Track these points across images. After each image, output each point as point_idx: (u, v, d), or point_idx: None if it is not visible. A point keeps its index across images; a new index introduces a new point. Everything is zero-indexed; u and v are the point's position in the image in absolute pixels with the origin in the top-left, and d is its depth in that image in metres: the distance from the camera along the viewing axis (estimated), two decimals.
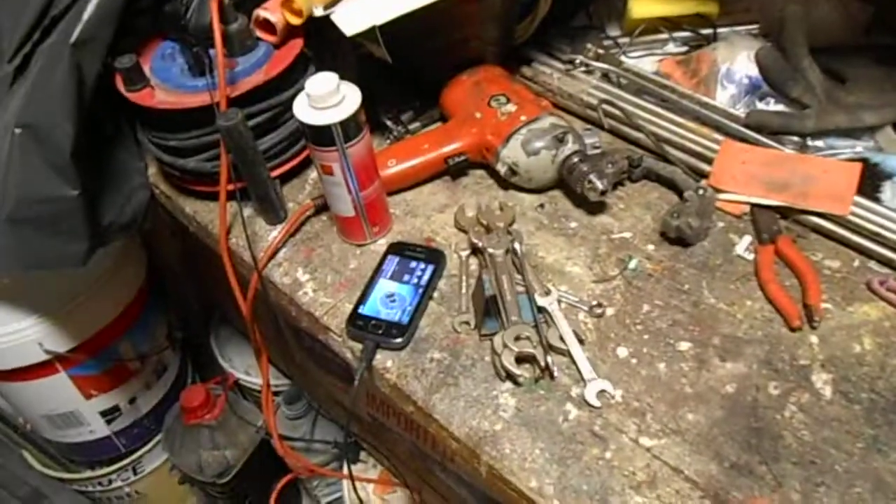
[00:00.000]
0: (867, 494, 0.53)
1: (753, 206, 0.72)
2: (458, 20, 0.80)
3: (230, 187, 0.72)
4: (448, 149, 0.78)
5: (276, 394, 1.37)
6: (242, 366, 1.37)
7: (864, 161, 0.71)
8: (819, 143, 0.75)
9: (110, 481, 1.31)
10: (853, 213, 0.68)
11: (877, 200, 0.70)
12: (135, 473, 1.33)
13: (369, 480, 1.12)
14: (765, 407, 0.59)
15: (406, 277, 0.70)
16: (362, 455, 1.23)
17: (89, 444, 1.24)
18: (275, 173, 0.78)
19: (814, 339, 0.63)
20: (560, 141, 0.74)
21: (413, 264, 0.71)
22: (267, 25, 0.76)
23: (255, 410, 1.33)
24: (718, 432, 0.57)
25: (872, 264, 0.68)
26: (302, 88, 0.65)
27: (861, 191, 0.69)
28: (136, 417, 1.26)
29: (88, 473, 1.30)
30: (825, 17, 0.82)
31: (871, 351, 0.62)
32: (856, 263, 0.68)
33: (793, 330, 0.63)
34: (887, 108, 0.73)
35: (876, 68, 0.78)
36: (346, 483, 1.20)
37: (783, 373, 0.61)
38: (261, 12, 0.75)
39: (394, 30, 0.71)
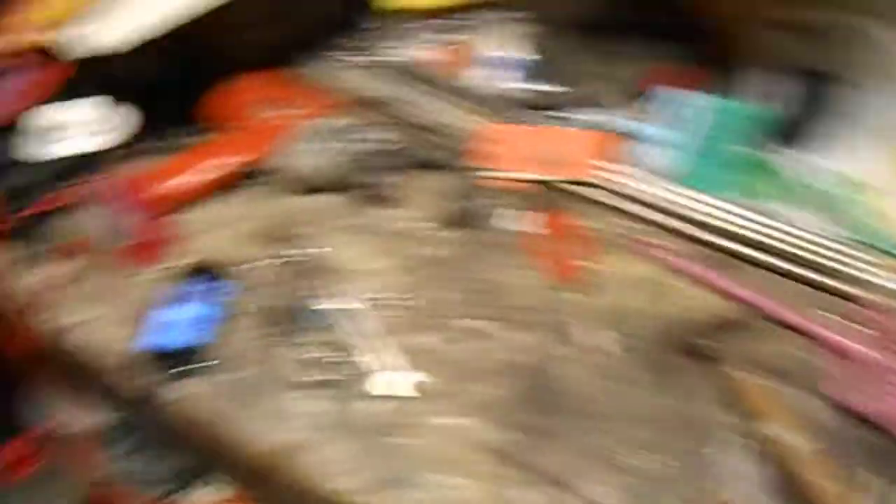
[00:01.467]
0: (650, 434, 0.59)
1: (523, 181, 0.77)
2: (208, 31, 0.78)
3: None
4: (230, 160, 0.77)
5: (102, 432, 1.28)
6: (59, 411, 1.26)
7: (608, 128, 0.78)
8: (579, 115, 0.81)
9: None
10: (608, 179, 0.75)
11: (628, 160, 0.77)
12: None
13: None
14: (553, 368, 0.63)
15: (200, 297, 0.68)
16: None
17: None
18: (39, 208, 0.72)
19: (590, 299, 0.69)
20: (347, 140, 0.75)
21: (202, 284, 0.69)
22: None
23: (83, 456, 1.24)
24: (515, 401, 0.61)
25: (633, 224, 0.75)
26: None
27: (615, 153, 0.76)
28: None
29: None
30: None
31: (642, 301, 0.68)
32: (619, 223, 0.75)
33: (570, 292, 0.69)
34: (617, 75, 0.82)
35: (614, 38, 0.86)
36: None
37: (566, 335, 0.66)
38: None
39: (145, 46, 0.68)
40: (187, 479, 1.08)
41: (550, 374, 0.63)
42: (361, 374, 0.63)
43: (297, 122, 0.75)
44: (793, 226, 0.69)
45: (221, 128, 0.81)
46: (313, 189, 0.78)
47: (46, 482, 1.18)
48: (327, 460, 0.58)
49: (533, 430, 0.60)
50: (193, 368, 0.63)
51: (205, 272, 0.70)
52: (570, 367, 0.64)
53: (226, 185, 0.78)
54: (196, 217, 0.77)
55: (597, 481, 0.56)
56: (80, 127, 0.60)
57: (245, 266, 0.72)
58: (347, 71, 0.87)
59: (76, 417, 0.85)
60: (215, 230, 0.76)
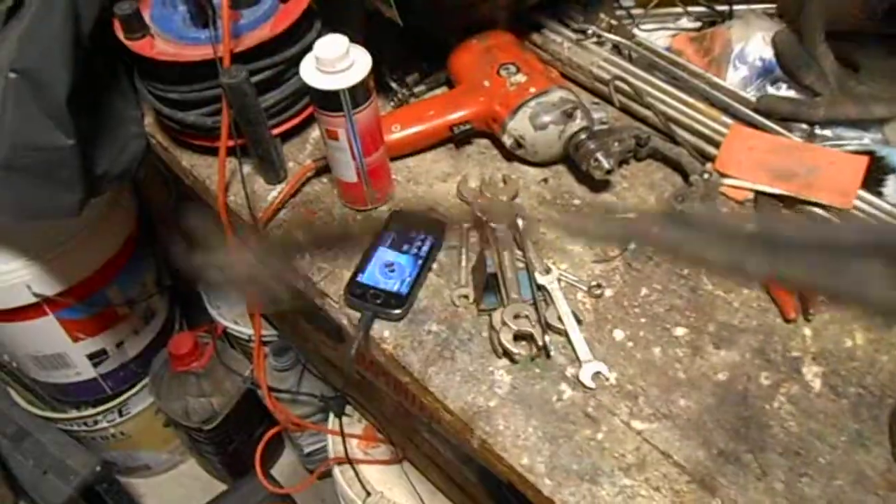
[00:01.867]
0: (847, 487, 0.55)
1: (757, 193, 0.72)
2: None
3: (230, 143, 0.71)
4: (454, 116, 0.77)
5: (264, 344, 1.38)
6: (231, 315, 1.37)
7: (871, 154, 0.71)
8: (827, 132, 0.74)
9: (96, 422, 1.32)
10: (855, 207, 0.68)
11: (879, 195, 0.70)
12: (120, 415, 1.34)
13: (354, 436, 1.14)
14: (755, 396, 0.60)
15: (406, 247, 0.69)
16: (348, 409, 1.24)
17: (76, 386, 1.25)
18: (276, 131, 0.76)
19: (807, 331, 0.64)
20: (568, 116, 0.73)
21: (413, 234, 0.70)
22: None
23: (243, 360, 1.34)
24: (708, 419, 0.58)
25: None
26: (308, 46, 0.63)
27: (865, 184, 0.69)
28: (123, 361, 1.27)
29: (74, 413, 1.31)
30: (843, 2, 0.80)
31: (861, 346, 0.63)
32: None
33: (787, 321, 0.64)
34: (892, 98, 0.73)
35: (890, 59, 0.77)
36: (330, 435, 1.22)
37: (775, 363, 0.62)
38: None
39: None
40: (338, 406, 1.14)
41: (755, 402, 0.59)
42: (566, 359, 0.62)
43: (530, 89, 0.74)
44: None
45: (458, 82, 0.81)
46: (530, 157, 0.76)
47: (211, 376, 1.28)
48: (516, 434, 0.58)
49: (731, 456, 0.56)
50: (396, 314, 0.65)
51: (422, 224, 0.71)
52: (776, 401, 0.59)
53: (451, 140, 0.79)
54: (415, 166, 0.79)
55: None
56: (320, 63, 0.61)
57: (461, 224, 0.72)
58: (591, 47, 0.84)
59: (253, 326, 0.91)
60: (431, 182, 0.77)
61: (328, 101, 0.63)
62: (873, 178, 0.71)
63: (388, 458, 1.13)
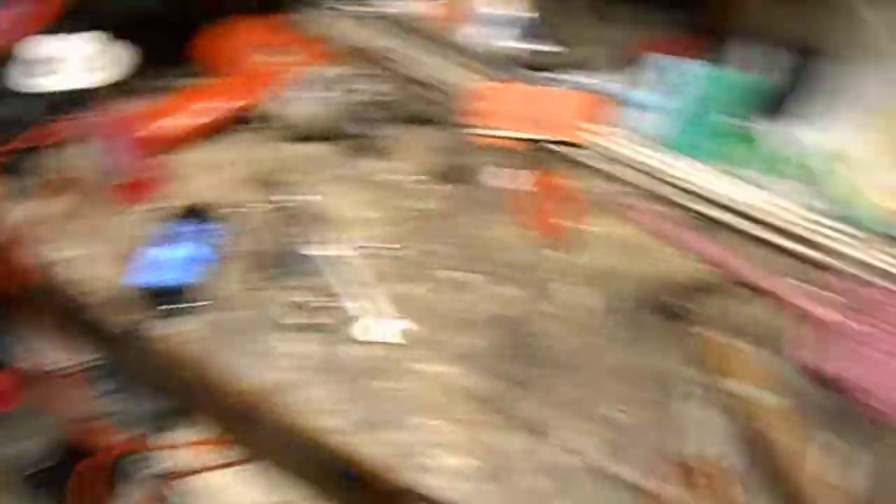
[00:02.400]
0: (624, 388, 0.61)
1: (513, 139, 0.78)
2: None
3: None
4: (223, 104, 0.77)
5: (86, 370, 1.29)
6: (43, 347, 1.27)
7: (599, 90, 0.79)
8: (566, 77, 0.82)
9: None
10: (596, 141, 0.76)
11: (617, 123, 0.78)
12: None
13: (186, 445, 1.11)
14: (535, 323, 0.66)
15: (191, 238, 0.69)
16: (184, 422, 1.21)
17: None
18: (27, 143, 0.72)
19: (573, 257, 0.71)
20: (340, 90, 0.75)
21: (193, 225, 0.70)
22: None
23: (65, 393, 1.25)
24: (497, 353, 0.63)
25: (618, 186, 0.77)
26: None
27: (604, 116, 0.77)
28: None
29: None
30: None
31: (622, 261, 0.71)
32: (604, 185, 0.77)
33: (554, 250, 0.71)
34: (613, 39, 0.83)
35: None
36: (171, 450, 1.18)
37: (548, 292, 0.68)
38: None
39: None
40: (166, 420, 1.10)
41: (532, 328, 0.65)
42: (348, 320, 0.65)
43: (291, 69, 0.75)
44: (772, 195, 0.71)
45: (216, 71, 0.81)
46: (305, 137, 0.78)
47: (27, 417, 1.19)
48: (312, 400, 0.60)
49: (513, 380, 0.62)
50: (181, 308, 0.64)
51: (196, 214, 0.71)
52: (551, 323, 0.66)
53: (218, 129, 0.79)
54: (188, 159, 0.77)
55: (572, 430, 0.58)
56: (74, 62, 0.59)
57: (235, 210, 0.72)
58: (343, 20, 0.86)
59: (60, 355, 0.86)
60: (207, 173, 0.76)
61: (78, 102, 0.61)
62: (608, 112, 0.79)
63: (230, 461, 1.11)
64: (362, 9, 0.88)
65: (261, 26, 0.82)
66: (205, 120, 0.76)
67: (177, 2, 0.77)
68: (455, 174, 0.75)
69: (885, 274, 0.66)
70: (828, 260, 0.68)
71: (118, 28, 0.68)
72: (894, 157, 0.71)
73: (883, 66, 0.74)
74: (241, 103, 0.77)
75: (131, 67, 0.61)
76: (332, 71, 0.77)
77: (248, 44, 0.79)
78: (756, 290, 0.67)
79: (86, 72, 0.59)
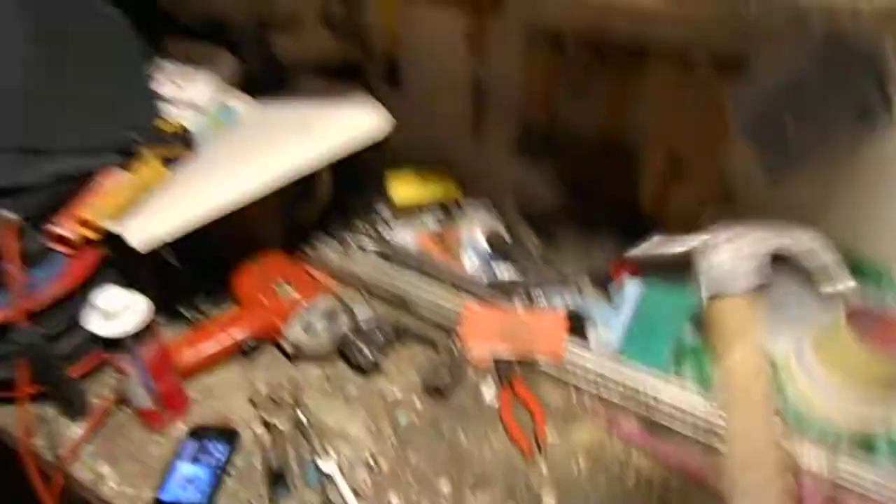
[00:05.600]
0: None
1: (492, 357, 0.89)
2: (241, 221, 0.94)
3: (30, 391, 0.78)
4: (240, 334, 0.90)
5: None
6: None
7: (569, 310, 0.91)
8: (541, 297, 0.94)
9: None
10: (568, 355, 0.87)
11: (585, 338, 0.89)
12: None
13: None
14: None
15: (203, 459, 0.78)
16: None
17: None
18: (77, 373, 0.84)
19: (543, 466, 0.78)
20: (335, 320, 0.88)
21: (210, 445, 0.79)
22: (63, 239, 0.85)
23: None
24: None
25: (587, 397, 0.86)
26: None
27: (574, 332, 0.88)
28: None
29: None
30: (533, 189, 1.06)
31: (585, 468, 0.78)
32: (573, 394, 0.86)
33: (528, 460, 0.79)
34: (582, 262, 0.96)
35: (577, 228, 1.02)
36: None
37: (521, 498, 0.75)
38: (56, 230, 0.84)
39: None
40: None
41: None
42: None
43: (302, 302, 0.89)
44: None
45: (239, 302, 0.95)
46: (313, 359, 0.90)
47: None
48: None
49: None
50: None
51: (214, 433, 0.80)
52: None
53: (235, 353, 0.91)
54: (211, 381, 0.89)
55: None
56: (102, 313, 0.73)
57: (249, 427, 0.82)
58: (351, 254, 1.02)
59: None
60: (226, 394, 0.87)
61: (112, 344, 0.73)
62: (578, 327, 0.90)
63: None
64: (369, 243, 1.03)
65: (279, 263, 0.97)
66: (226, 346, 0.89)
67: (211, 248, 0.93)
68: (443, 390, 0.85)
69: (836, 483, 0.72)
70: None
71: (144, 279, 0.84)
72: (833, 369, 0.78)
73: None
74: (256, 331, 0.90)
75: (152, 316, 0.74)
76: (334, 302, 0.90)
77: (267, 278, 0.93)
78: (706, 490, 0.73)
79: (108, 321, 0.72)
